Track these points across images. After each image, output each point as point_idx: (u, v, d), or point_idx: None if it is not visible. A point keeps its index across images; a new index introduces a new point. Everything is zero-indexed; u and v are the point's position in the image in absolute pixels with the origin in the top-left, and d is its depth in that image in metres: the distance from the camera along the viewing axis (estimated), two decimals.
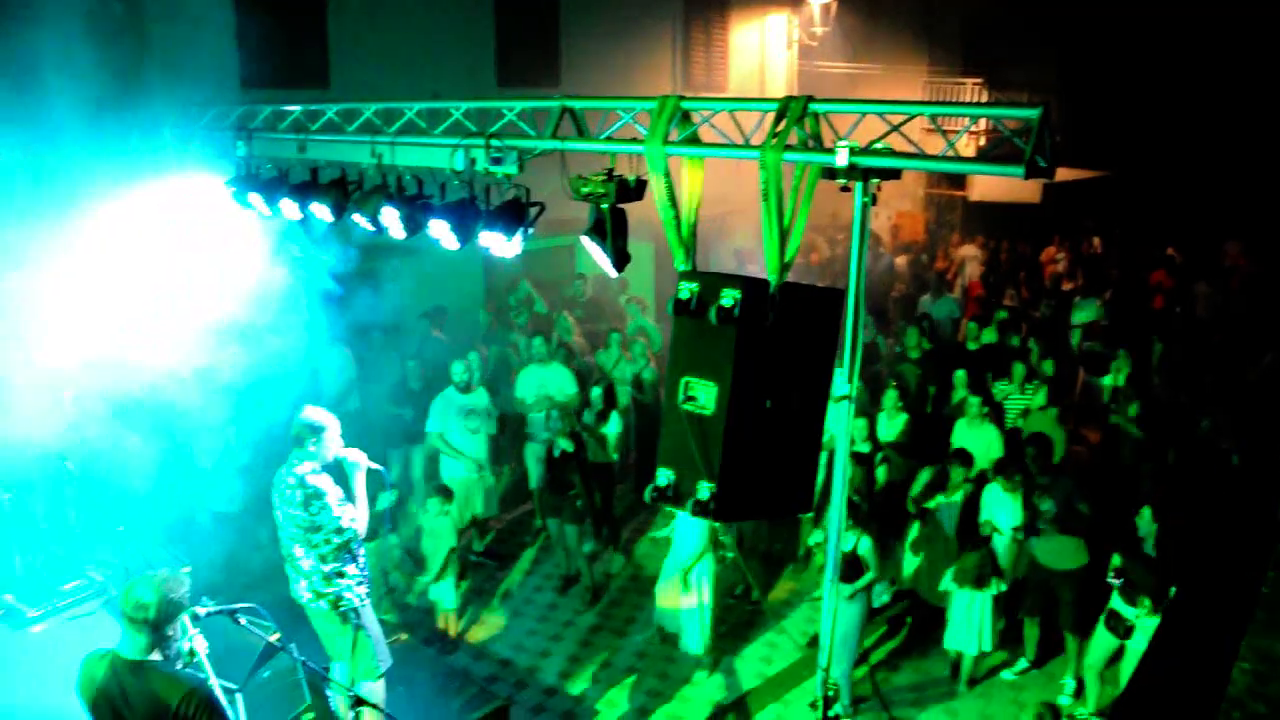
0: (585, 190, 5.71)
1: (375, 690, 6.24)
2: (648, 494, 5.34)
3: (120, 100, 8.37)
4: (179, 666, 4.46)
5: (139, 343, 8.67)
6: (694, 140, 5.28)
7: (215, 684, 4.65)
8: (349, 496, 6.04)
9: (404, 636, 7.96)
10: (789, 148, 4.71)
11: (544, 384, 10.30)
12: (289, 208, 7.66)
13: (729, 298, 4.92)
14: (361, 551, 6.19)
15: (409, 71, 11.73)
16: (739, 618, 9.30)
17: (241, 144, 8.16)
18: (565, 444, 9.12)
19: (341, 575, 6.03)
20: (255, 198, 7.93)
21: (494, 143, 6.04)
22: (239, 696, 6.41)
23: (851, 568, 7.40)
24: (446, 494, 8.74)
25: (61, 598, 7.99)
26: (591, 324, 12.73)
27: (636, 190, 5.66)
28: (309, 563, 6.02)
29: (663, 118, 5.26)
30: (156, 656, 4.25)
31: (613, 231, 5.75)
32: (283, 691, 6.56)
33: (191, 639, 4.62)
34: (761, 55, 16.34)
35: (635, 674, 8.51)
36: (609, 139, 5.64)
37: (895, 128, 4.59)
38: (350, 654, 6.20)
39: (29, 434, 7.91)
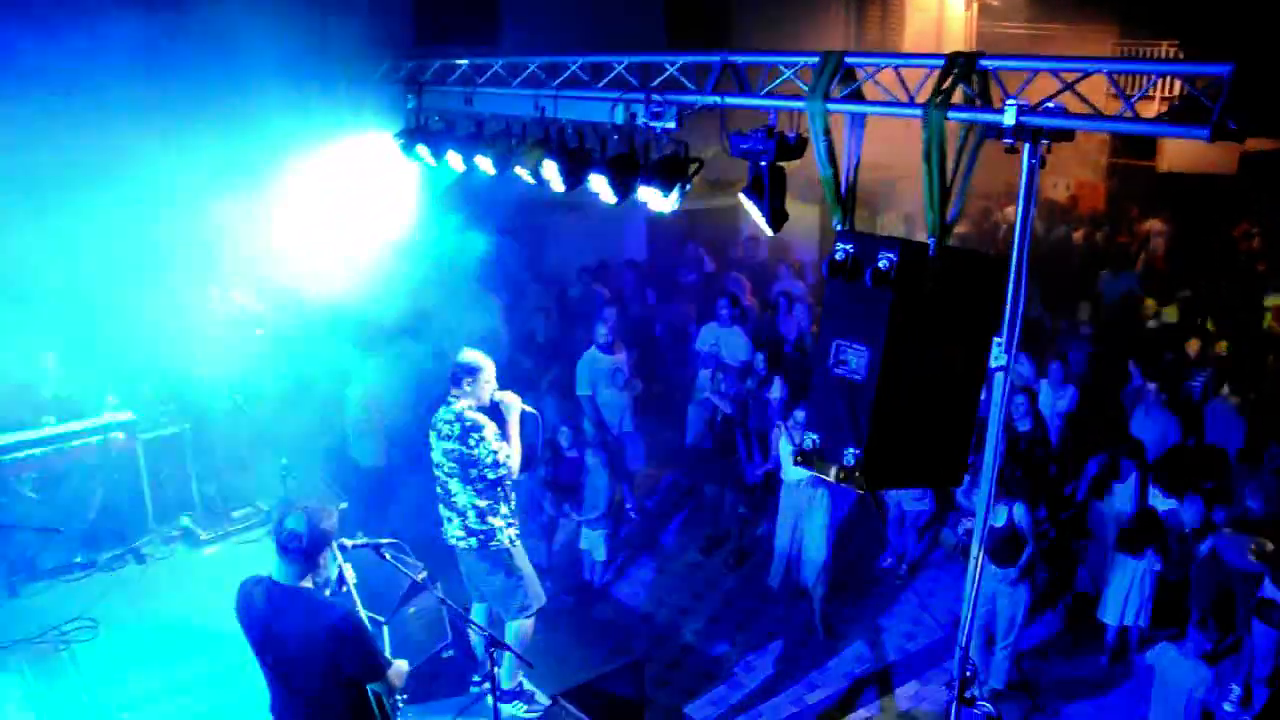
0: (744, 147, 5.64)
1: (525, 628, 6.37)
2: (795, 457, 5.28)
3: (304, 59, 8.69)
4: (328, 594, 4.64)
5: (315, 290, 9.10)
6: (856, 97, 5.11)
7: (362, 613, 4.84)
8: (504, 436, 6.11)
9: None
10: (954, 106, 4.51)
11: (719, 344, 10.27)
12: (454, 159, 7.87)
13: (885, 260, 4.78)
14: (514, 493, 6.29)
15: (578, 28, 11.78)
16: (888, 589, 9.12)
17: (411, 97, 8.42)
18: (728, 407, 9.09)
19: (494, 513, 6.13)
20: (423, 149, 8.18)
21: (655, 97, 6.01)
22: (385, 628, 6.76)
23: (1010, 545, 7.13)
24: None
25: (232, 524, 8.54)
26: (760, 286, 12.59)
27: (796, 148, 5.54)
28: (463, 498, 6.13)
29: (825, 73, 5.11)
30: (307, 584, 4.38)
31: (770, 190, 5.66)
32: (427, 627, 6.82)
33: (340, 568, 4.81)
34: (940, 14, 15.72)
35: (774, 639, 8.47)
36: (769, 95, 5.52)
37: (1069, 85, 4.32)
38: (500, 593, 6.33)
39: (215, 369, 8.44)
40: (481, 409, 6.15)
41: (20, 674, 6.91)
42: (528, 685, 6.70)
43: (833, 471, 5.02)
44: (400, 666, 4.71)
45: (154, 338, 8.22)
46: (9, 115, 7.33)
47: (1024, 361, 8.99)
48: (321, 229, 9.21)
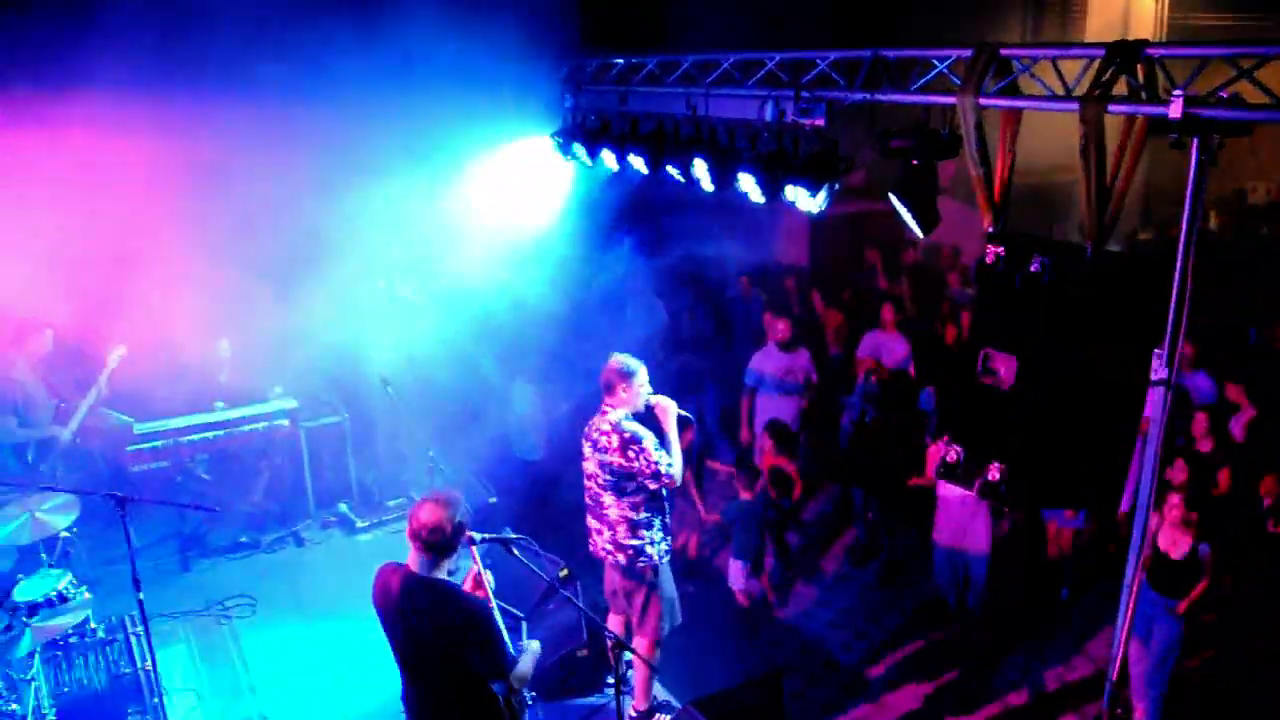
0: (894, 144, 5.42)
1: (656, 649, 6.28)
2: (938, 470, 5.03)
3: (475, 60, 8.89)
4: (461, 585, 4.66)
5: (479, 286, 9.30)
6: (1011, 91, 4.82)
7: (494, 606, 4.84)
8: (663, 443, 5.94)
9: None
10: (1115, 99, 4.18)
11: (879, 349, 9.95)
12: (609, 158, 7.89)
13: (1037, 263, 4.50)
14: (669, 505, 6.14)
15: (741, 30, 11.63)
16: (1048, 616, 8.61)
17: (569, 97, 8.49)
18: (878, 411, 8.79)
19: (648, 527, 5.98)
20: (579, 148, 8.23)
21: (804, 94, 5.85)
22: (524, 624, 6.80)
23: (1184, 576, 6.58)
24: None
25: (387, 512, 8.83)
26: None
27: (948, 146, 5.30)
28: (616, 511, 5.98)
29: (978, 67, 4.85)
30: (441, 574, 4.40)
31: (920, 189, 5.42)
32: (564, 626, 6.85)
33: (469, 560, 4.83)
34: (1125, 6, 14.76)
35: (924, 659, 8.11)
36: (921, 91, 5.28)
37: (1245, 73, 3.93)
38: (639, 611, 6.20)
39: (377, 360, 8.72)
40: (636, 415, 6.02)
41: (185, 644, 7.31)
42: (661, 695, 6.64)
43: (976, 487, 4.75)
44: (526, 663, 4.67)
45: (320, 328, 8.58)
46: (214, 109, 7.78)
47: (1203, 377, 8.34)
48: (485, 226, 9.41)
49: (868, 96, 5.48)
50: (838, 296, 11.37)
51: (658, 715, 6.45)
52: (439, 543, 4.31)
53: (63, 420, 7.66)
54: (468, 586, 4.87)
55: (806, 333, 10.58)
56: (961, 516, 7.79)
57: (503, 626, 4.74)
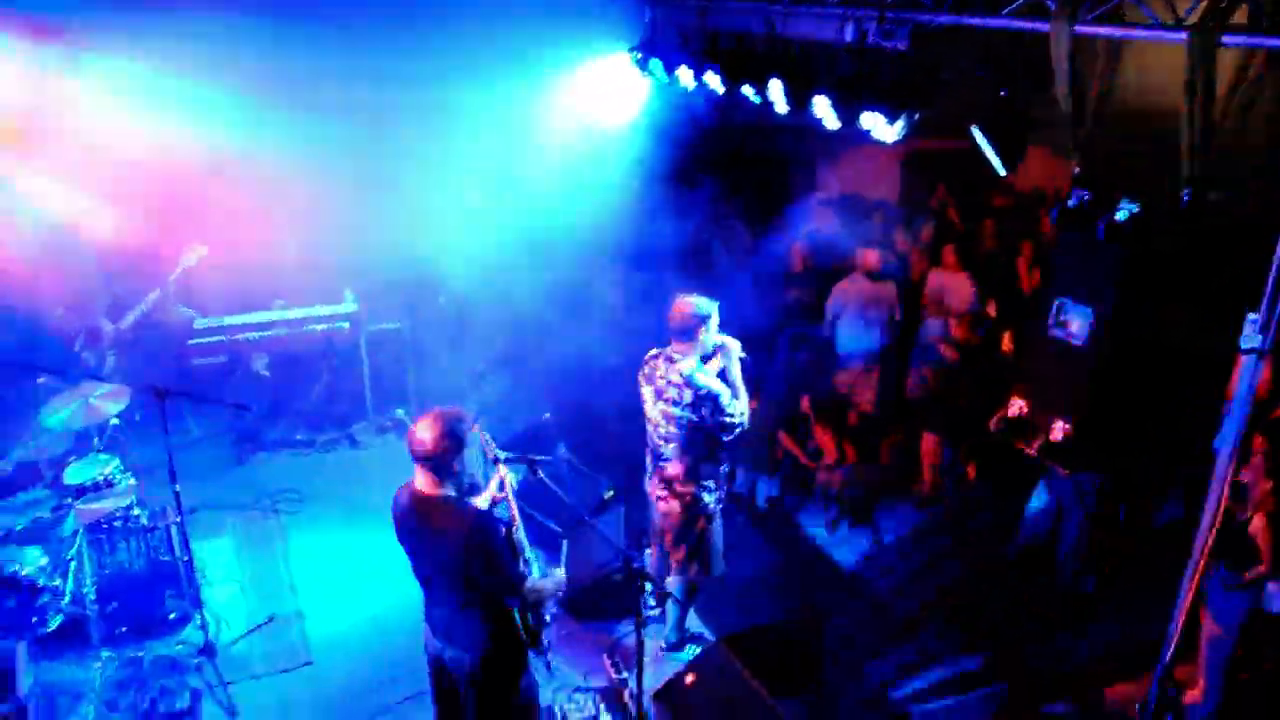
0: (981, 75, 5.04)
1: (692, 590, 6.20)
2: (999, 424, 4.74)
3: None
4: (482, 502, 4.57)
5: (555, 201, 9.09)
6: (1110, 18, 4.38)
7: (518, 525, 4.76)
8: (731, 389, 5.66)
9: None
10: (1234, 27, 3.75)
11: (942, 290, 9.53)
12: (685, 75, 7.56)
13: (1124, 210, 4.14)
14: (728, 455, 5.93)
15: None
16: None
17: (648, 9, 8.15)
18: (951, 354, 8.41)
19: (710, 475, 5.80)
20: (656, 64, 7.91)
21: (888, 14, 5.45)
22: (564, 543, 6.74)
23: (1240, 550, 6.16)
24: None
25: None
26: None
27: (1040, 77, 4.87)
28: (677, 459, 5.77)
29: None
30: (446, 491, 4.30)
31: (1007, 123, 5.03)
32: (601, 545, 6.76)
33: (502, 480, 4.72)
34: None
35: (984, 611, 7.82)
36: (1013, 13, 4.85)
37: None
38: (682, 555, 6.04)
39: (447, 269, 8.62)
40: (705, 356, 5.70)
41: (232, 535, 7.41)
42: (695, 626, 6.53)
43: (1035, 445, 4.46)
44: (543, 584, 4.61)
45: (389, 235, 8.48)
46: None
47: None
48: (564, 143, 9.17)
49: (955, 19, 5.07)
50: (918, 235, 10.90)
51: (688, 646, 6.34)
52: (434, 459, 4.21)
53: (116, 315, 7.70)
54: (490, 494, 4.86)
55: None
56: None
57: (521, 542, 4.68)
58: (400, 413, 8.91)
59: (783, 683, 6.46)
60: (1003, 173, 5.22)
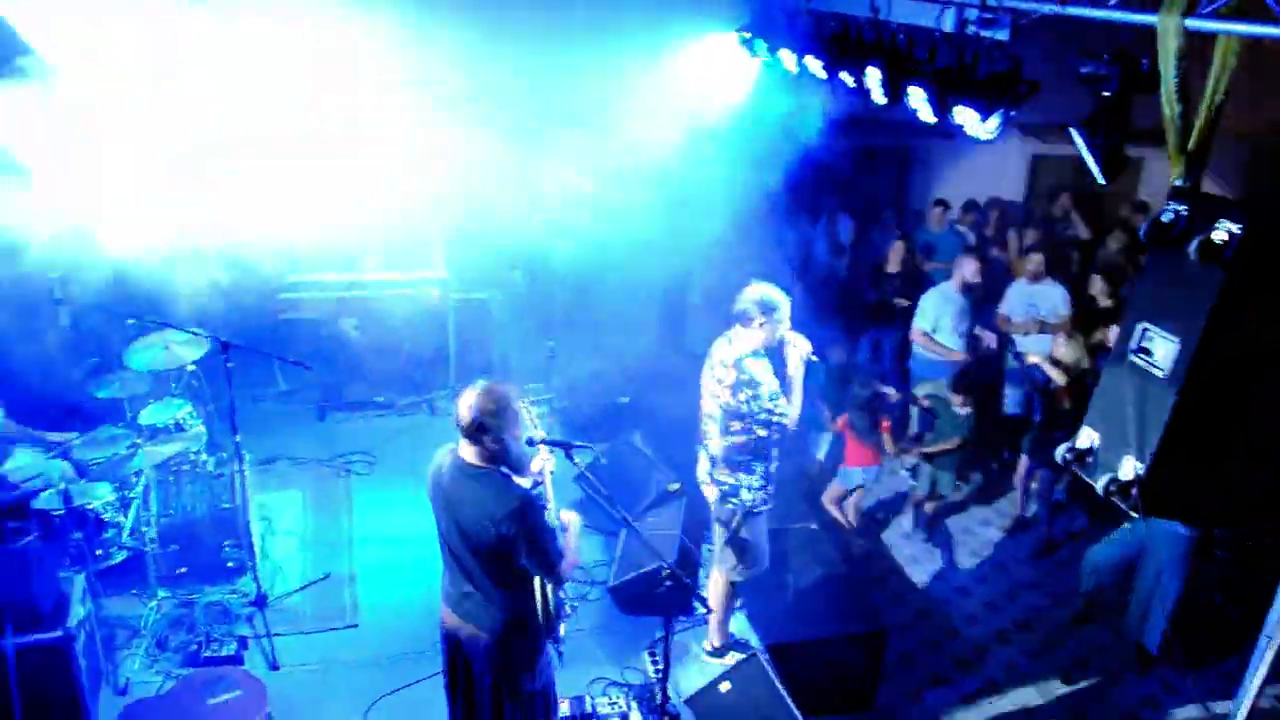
0: (1084, 71, 4.64)
1: (731, 591, 6.01)
2: (1060, 452, 4.39)
3: None
4: (524, 482, 4.47)
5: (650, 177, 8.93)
6: (1233, 13, 3.94)
7: (551, 508, 4.66)
8: (785, 388, 5.48)
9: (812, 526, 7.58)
10: None
11: (1035, 302, 9.04)
12: (787, 58, 7.30)
13: (1223, 229, 3.74)
14: (776, 450, 5.67)
15: None
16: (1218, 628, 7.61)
17: None
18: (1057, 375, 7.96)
19: (747, 470, 5.59)
20: (760, 45, 7.67)
21: (989, 1, 5.09)
22: (623, 532, 6.63)
23: None
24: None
25: (523, 395, 8.70)
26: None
27: (1148, 79, 4.47)
28: (718, 446, 5.63)
29: None
30: (490, 464, 4.23)
31: (1107, 126, 4.64)
32: (659, 539, 6.63)
33: (525, 455, 4.61)
34: None
35: (1056, 647, 7.41)
36: (1121, 4, 4.45)
37: None
38: (721, 547, 5.88)
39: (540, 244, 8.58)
40: (768, 350, 5.54)
41: (301, 489, 7.53)
42: (743, 632, 6.33)
43: (1102, 481, 4.10)
44: (572, 549, 4.54)
45: (485, 206, 8.46)
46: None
47: None
48: (670, 123, 8.99)
49: (1057, 8, 4.68)
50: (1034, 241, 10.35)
51: (731, 654, 6.14)
52: (474, 432, 4.16)
53: None
54: (535, 468, 4.75)
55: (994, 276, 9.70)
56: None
57: (554, 524, 4.57)
58: (482, 382, 8.90)
59: (828, 700, 6.25)
60: (1101, 180, 4.83)
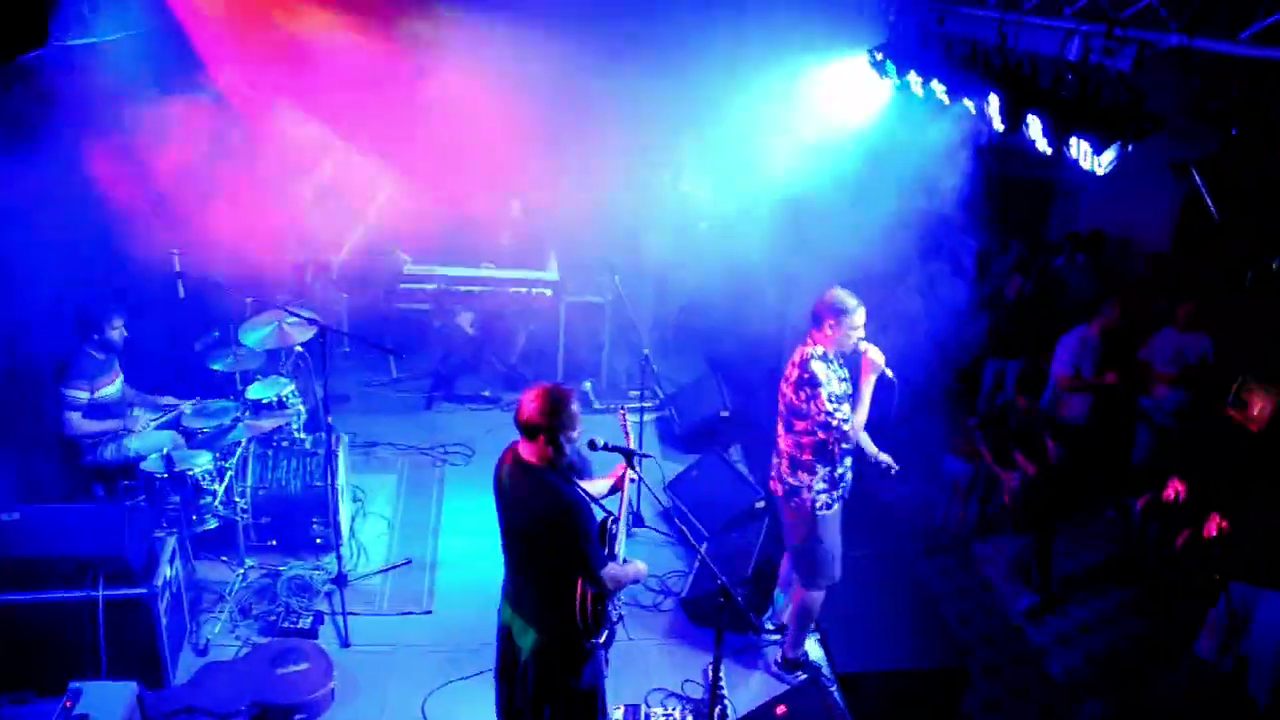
0: (1212, 107, 4.39)
1: (811, 600, 5.84)
2: (1145, 506, 4.15)
3: None
4: (578, 479, 4.48)
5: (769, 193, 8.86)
6: None
7: (622, 515, 4.74)
8: (850, 394, 5.46)
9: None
10: None
11: (1185, 353, 8.51)
12: (914, 81, 7.13)
13: None
14: (847, 459, 5.62)
15: None
16: None
17: (894, 9, 7.74)
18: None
19: (808, 470, 5.55)
20: (891, 67, 7.51)
21: (1116, 30, 4.85)
22: (704, 545, 6.58)
23: None
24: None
25: (626, 400, 8.76)
26: None
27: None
28: (785, 444, 5.64)
29: None
30: (545, 464, 4.27)
31: (1231, 165, 4.37)
32: (738, 553, 6.56)
33: (585, 459, 4.62)
34: None
35: (1155, 706, 6.96)
36: (1252, 39, 4.18)
37: None
38: (796, 552, 5.82)
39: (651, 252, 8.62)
40: (840, 356, 5.51)
41: (398, 475, 7.74)
42: (815, 655, 6.19)
43: (1182, 538, 3.86)
44: (627, 571, 4.53)
45: (603, 211, 8.55)
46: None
47: None
48: (793, 139, 8.90)
49: (1184, 41, 4.43)
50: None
51: (799, 673, 6.01)
52: (531, 430, 4.22)
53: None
54: (611, 479, 4.86)
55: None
56: None
57: (615, 535, 4.61)
58: (587, 385, 8.98)
59: None
60: (1216, 218, 4.55)
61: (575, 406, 4.28)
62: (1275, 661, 6.12)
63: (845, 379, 5.51)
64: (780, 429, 5.68)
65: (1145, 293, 9.98)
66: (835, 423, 5.32)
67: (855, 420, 5.40)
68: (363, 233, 8.17)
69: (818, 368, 5.39)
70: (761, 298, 9.03)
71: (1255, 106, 4.20)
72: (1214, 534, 3.72)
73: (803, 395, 5.37)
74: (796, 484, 5.59)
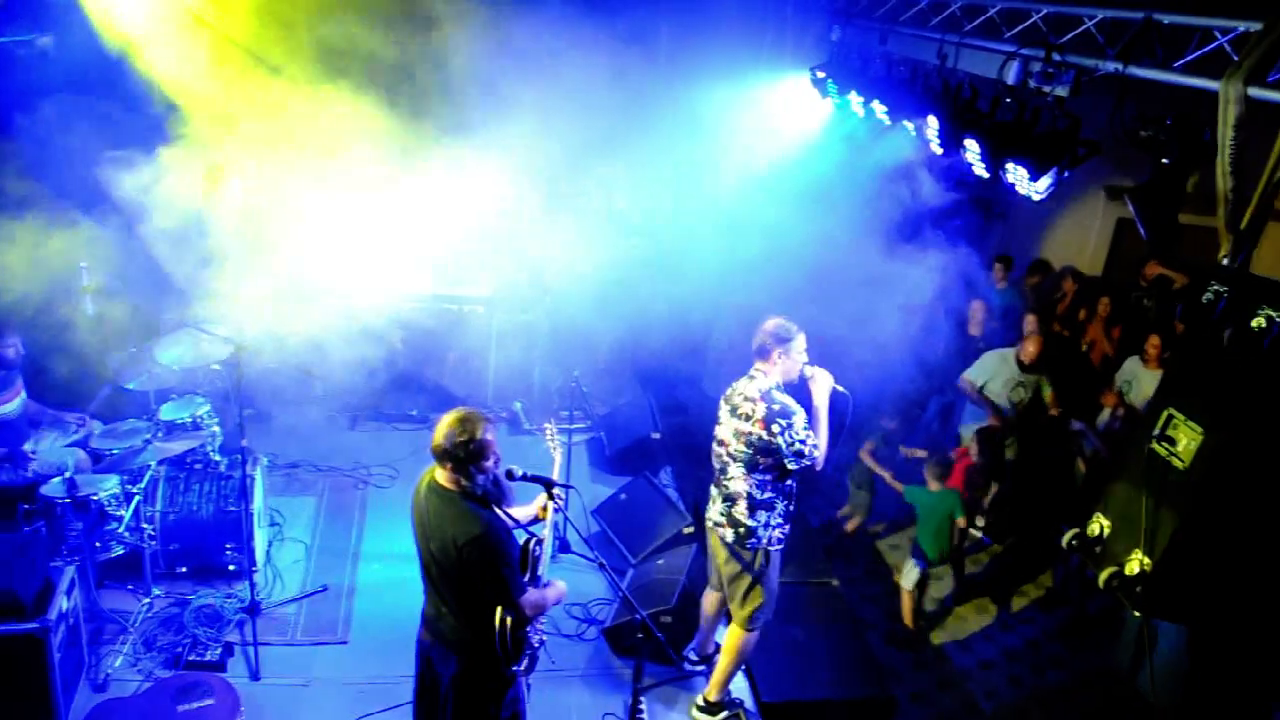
0: (1142, 135, 4.34)
1: (747, 640, 5.67)
2: (1066, 539, 4.06)
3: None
4: (496, 505, 4.33)
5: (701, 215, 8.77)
6: None
7: (545, 540, 4.61)
8: (811, 420, 5.27)
9: (834, 582, 7.24)
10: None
11: (1134, 384, 8.49)
12: (855, 101, 7.08)
13: (1263, 317, 3.42)
14: (795, 492, 5.50)
15: None
16: None
17: (837, 28, 7.69)
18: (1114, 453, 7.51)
19: (769, 509, 5.38)
20: (832, 87, 7.46)
21: (1054, 56, 4.79)
22: (629, 571, 6.41)
23: None
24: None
25: (557, 421, 8.55)
26: None
27: (1209, 146, 4.14)
28: (740, 484, 5.40)
29: (1259, 47, 3.69)
30: (461, 489, 4.20)
31: (1161, 194, 4.32)
32: (662, 583, 6.40)
33: (504, 486, 4.48)
34: None
35: None
36: (1184, 68, 4.14)
37: None
38: (737, 595, 5.61)
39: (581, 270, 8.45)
40: (789, 386, 5.36)
41: (317, 497, 7.48)
42: (737, 685, 6.03)
43: (1105, 575, 3.78)
44: (548, 595, 4.49)
45: (533, 230, 8.40)
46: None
47: None
48: (736, 160, 8.83)
49: (1119, 68, 4.38)
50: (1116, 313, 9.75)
51: (724, 713, 5.84)
52: (447, 458, 4.17)
53: None
54: (534, 509, 4.77)
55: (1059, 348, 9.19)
56: None
57: (539, 559, 4.52)
58: (517, 406, 8.78)
59: None
60: (1149, 248, 4.50)
61: (489, 434, 4.21)
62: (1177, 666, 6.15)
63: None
64: (736, 472, 5.40)
65: (1065, 315, 10.03)
66: (808, 449, 5.16)
67: (821, 445, 5.26)
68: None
69: (784, 398, 5.23)
70: (693, 317, 8.93)
71: (1187, 135, 4.14)
72: (1137, 573, 3.62)
73: (776, 428, 5.15)
74: (754, 524, 5.38)
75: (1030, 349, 8.05)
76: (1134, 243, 11.50)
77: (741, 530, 5.42)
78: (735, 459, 5.38)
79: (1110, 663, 6.99)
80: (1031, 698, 7.21)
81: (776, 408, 5.16)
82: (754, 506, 5.36)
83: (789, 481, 5.37)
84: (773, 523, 5.40)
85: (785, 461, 5.20)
